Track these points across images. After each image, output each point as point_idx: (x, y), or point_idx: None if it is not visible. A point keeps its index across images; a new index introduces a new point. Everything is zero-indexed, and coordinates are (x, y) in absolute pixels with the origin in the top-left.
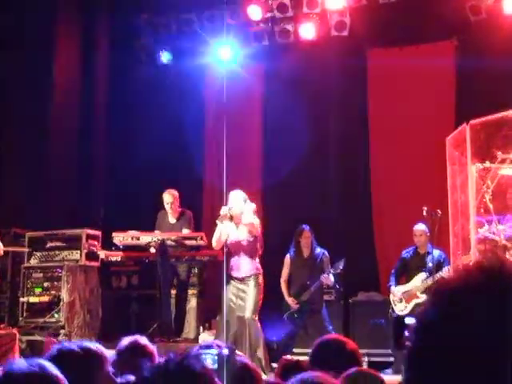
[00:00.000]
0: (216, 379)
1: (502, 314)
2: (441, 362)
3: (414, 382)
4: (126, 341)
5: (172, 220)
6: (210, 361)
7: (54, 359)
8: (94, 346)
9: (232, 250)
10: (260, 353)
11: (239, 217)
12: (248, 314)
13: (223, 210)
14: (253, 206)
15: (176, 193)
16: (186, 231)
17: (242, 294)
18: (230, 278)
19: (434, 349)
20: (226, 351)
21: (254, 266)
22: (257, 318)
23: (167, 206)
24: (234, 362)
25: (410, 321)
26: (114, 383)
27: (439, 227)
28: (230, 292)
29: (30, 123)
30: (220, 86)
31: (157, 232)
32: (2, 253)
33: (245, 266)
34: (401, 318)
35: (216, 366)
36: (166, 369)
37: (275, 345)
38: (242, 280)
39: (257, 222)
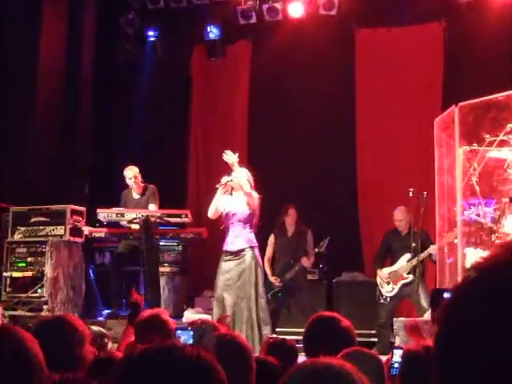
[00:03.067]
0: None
1: None
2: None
3: (444, 360)
4: (146, 313)
5: (136, 196)
6: (184, 336)
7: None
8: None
9: (227, 222)
10: (267, 331)
11: (238, 189)
12: (253, 292)
13: (224, 179)
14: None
15: (136, 168)
16: (152, 206)
17: (241, 271)
18: (226, 252)
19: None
20: (203, 325)
21: (249, 240)
22: (263, 296)
23: (129, 182)
24: (210, 336)
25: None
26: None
27: (425, 209)
28: (224, 269)
29: (13, 96)
30: (207, 64)
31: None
32: None
33: (239, 239)
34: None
35: (191, 340)
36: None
37: None
38: (236, 254)
39: (256, 195)
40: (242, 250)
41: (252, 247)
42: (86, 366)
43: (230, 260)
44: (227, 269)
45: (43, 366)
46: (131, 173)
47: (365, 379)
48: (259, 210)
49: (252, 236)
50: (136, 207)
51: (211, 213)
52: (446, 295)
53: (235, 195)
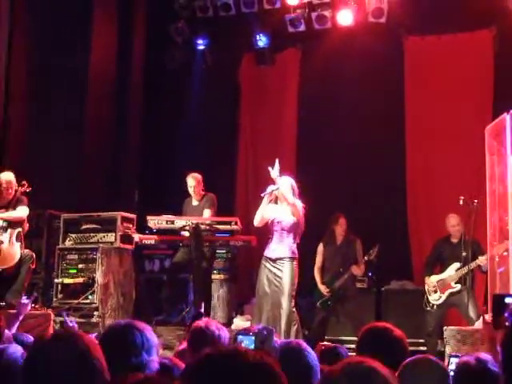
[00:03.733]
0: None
1: None
2: None
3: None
4: (196, 325)
5: (195, 203)
6: (247, 343)
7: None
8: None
9: (272, 229)
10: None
11: (283, 199)
12: (284, 304)
13: (270, 188)
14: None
15: (199, 176)
16: (207, 212)
17: (277, 279)
18: (266, 258)
19: None
20: (264, 331)
21: (291, 250)
22: (293, 307)
23: (190, 190)
24: (272, 341)
25: (510, 300)
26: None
27: (476, 217)
28: (264, 275)
29: (64, 106)
30: (256, 72)
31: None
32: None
33: (281, 247)
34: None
35: (253, 346)
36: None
37: (306, 332)
38: (274, 261)
39: (300, 204)
40: (281, 259)
41: (292, 258)
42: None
43: (267, 268)
44: (264, 275)
45: (105, 369)
46: (192, 181)
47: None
48: (304, 219)
49: (294, 247)
50: (193, 214)
51: (257, 221)
52: (509, 300)
53: (280, 204)
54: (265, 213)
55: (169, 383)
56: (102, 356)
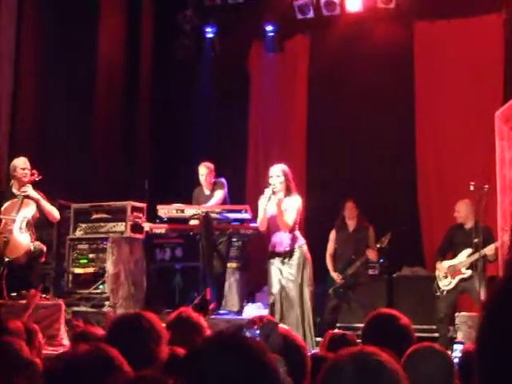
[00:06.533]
0: (268, 351)
1: None
2: None
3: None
4: (175, 313)
5: (207, 192)
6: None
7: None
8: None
9: (271, 224)
10: (309, 329)
11: (279, 193)
12: (294, 292)
13: (267, 192)
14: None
15: (211, 165)
16: (218, 192)
17: (288, 270)
18: (273, 254)
19: None
20: (269, 324)
21: (296, 239)
22: (308, 294)
23: (202, 179)
24: (276, 334)
25: None
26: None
27: (487, 202)
28: (275, 267)
29: (74, 96)
30: (265, 59)
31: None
32: (58, 217)
33: (286, 239)
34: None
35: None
36: (218, 342)
37: (319, 319)
38: (285, 254)
39: (297, 205)
40: (290, 251)
41: (300, 246)
42: (161, 365)
43: (278, 261)
44: (276, 267)
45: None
46: (204, 170)
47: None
48: (297, 214)
49: (297, 234)
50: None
51: (259, 224)
52: None
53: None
54: (266, 215)
55: (164, 381)
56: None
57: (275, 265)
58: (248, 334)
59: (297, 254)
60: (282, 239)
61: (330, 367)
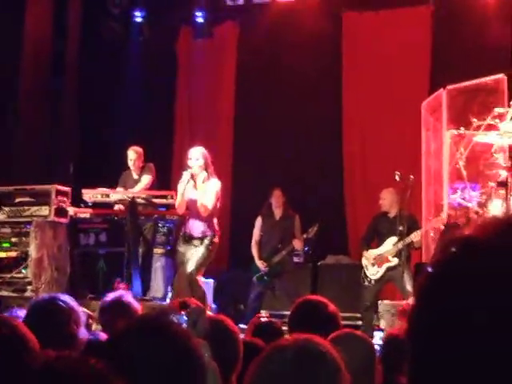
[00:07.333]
0: (192, 336)
1: None
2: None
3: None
4: (109, 297)
5: (135, 176)
6: (178, 320)
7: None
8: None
9: (189, 208)
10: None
11: (198, 175)
12: (189, 269)
13: (185, 175)
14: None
15: (140, 149)
16: (146, 177)
17: (192, 252)
18: (188, 237)
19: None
20: (196, 310)
21: (210, 227)
22: (199, 276)
23: (130, 163)
24: (203, 320)
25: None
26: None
27: (411, 192)
28: (188, 251)
29: None
30: (194, 44)
31: (120, 189)
32: None
33: (201, 226)
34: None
35: (185, 325)
36: (141, 326)
37: (242, 306)
38: (197, 239)
39: (216, 188)
40: (203, 237)
41: (212, 235)
42: (81, 347)
43: (192, 245)
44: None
45: (35, 345)
46: (133, 154)
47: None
48: (217, 198)
49: (214, 222)
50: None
51: (177, 207)
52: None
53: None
54: (184, 198)
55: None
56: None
57: (184, 248)
58: (175, 319)
59: (206, 241)
60: (196, 224)
61: (270, 351)
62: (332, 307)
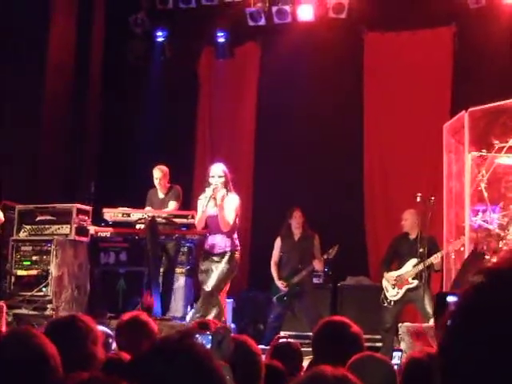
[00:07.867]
0: (215, 358)
1: None
2: (485, 346)
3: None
4: (126, 316)
5: (161, 196)
6: (203, 340)
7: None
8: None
9: (209, 225)
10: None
11: (219, 192)
12: (209, 285)
13: (208, 192)
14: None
15: (165, 168)
16: (172, 203)
17: (213, 268)
18: (209, 254)
19: (478, 332)
20: (221, 330)
21: (231, 242)
22: (222, 294)
23: (156, 182)
24: (228, 341)
25: (452, 299)
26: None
27: (432, 214)
28: (209, 268)
29: (21, 97)
30: (215, 65)
31: (147, 209)
32: (2, 219)
33: (221, 241)
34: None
35: (210, 345)
36: (165, 347)
37: (261, 326)
38: (218, 255)
39: (235, 204)
40: (223, 253)
41: (232, 251)
42: (99, 366)
43: (211, 262)
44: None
45: (59, 367)
46: (159, 173)
47: None
48: (236, 214)
49: (234, 238)
50: (160, 208)
51: (197, 222)
52: (451, 299)
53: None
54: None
55: (116, 381)
56: (57, 353)
57: (206, 265)
58: (200, 339)
59: (226, 258)
60: (216, 240)
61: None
62: (356, 328)
